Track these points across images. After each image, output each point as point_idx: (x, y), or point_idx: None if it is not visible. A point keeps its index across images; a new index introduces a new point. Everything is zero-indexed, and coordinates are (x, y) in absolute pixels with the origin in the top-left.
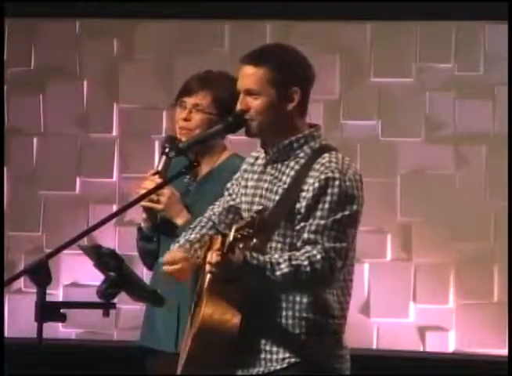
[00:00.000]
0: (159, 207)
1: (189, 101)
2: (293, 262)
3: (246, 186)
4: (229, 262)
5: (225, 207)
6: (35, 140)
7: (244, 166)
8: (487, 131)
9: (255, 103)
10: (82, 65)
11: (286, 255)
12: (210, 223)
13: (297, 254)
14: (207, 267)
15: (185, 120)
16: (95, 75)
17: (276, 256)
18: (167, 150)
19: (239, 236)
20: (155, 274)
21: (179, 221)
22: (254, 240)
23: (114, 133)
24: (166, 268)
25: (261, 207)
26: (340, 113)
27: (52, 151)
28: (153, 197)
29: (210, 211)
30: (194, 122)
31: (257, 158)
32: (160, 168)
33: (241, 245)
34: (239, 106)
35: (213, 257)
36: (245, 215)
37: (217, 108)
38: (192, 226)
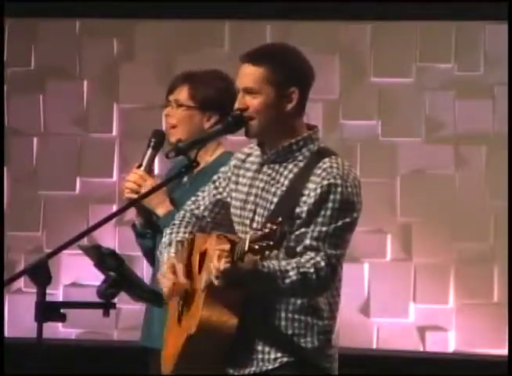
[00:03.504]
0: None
1: (171, 98)
2: (301, 270)
3: (237, 183)
4: (238, 270)
5: (211, 201)
6: (35, 140)
7: (234, 161)
8: (487, 131)
9: (254, 102)
10: (82, 65)
11: (293, 263)
12: (194, 219)
13: (302, 260)
14: (214, 272)
15: (167, 116)
16: (95, 75)
17: (284, 263)
18: (152, 143)
19: (256, 246)
20: (155, 274)
21: (160, 211)
22: (275, 252)
23: (114, 133)
24: (164, 291)
25: (280, 219)
26: (340, 113)
27: (52, 151)
28: (135, 187)
29: (192, 204)
30: (175, 117)
31: (249, 155)
32: (144, 161)
33: (258, 256)
34: (237, 105)
35: (221, 264)
36: (237, 212)
37: (196, 102)
38: (177, 222)
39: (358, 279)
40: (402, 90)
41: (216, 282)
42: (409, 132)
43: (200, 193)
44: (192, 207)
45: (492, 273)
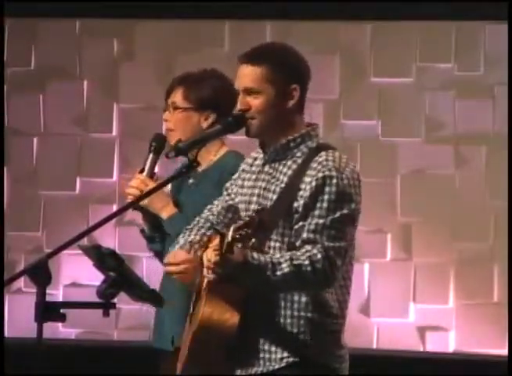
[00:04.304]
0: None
1: (169, 102)
2: (295, 262)
3: (242, 186)
4: (228, 262)
5: (224, 207)
6: (35, 140)
7: (243, 166)
8: (487, 131)
9: (256, 102)
10: (82, 65)
11: (287, 255)
12: (208, 224)
13: (298, 253)
14: (205, 264)
15: (166, 120)
16: (95, 75)
17: (277, 256)
18: (152, 148)
19: (237, 236)
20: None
21: (164, 215)
22: (253, 240)
23: (114, 133)
24: (169, 268)
25: (259, 207)
26: (340, 113)
27: (52, 151)
28: (137, 193)
29: (208, 211)
30: (173, 121)
31: (255, 159)
32: (147, 166)
33: (239, 245)
34: (239, 106)
35: (212, 256)
36: (243, 214)
37: (191, 103)
38: (189, 227)
39: (358, 279)
40: (402, 90)
41: (209, 276)
42: (409, 132)
43: (215, 202)
44: (208, 213)
45: (492, 273)
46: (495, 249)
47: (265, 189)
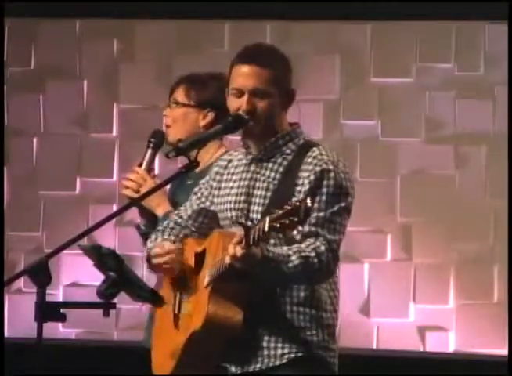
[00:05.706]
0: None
1: (171, 99)
2: (302, 254)
3: (219, 188)
4: (252, 255)
5: (194, 210)
6: (35, 140)
7: (216, 169)
8: (487, 131)
9: (262, 104)
10: (82, 65)
11: (294, 248)
12: (178, 227)
13: (303, 246)
14: (227, 259)
15: (165, 116)
16: (95, 75)
17: (285, 248)
18: (151, 144)
19: (278, 225)
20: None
21: (159, 212)
22: (300, 228)
23: (114, 133)
24: (158, 260)
25: (302, 197)
26: (340, 113)
27: (52, 151)
28: (135, 186)
29: (175, 215)
30: (171, 117)
31: (230, 161)
32: (145, 161)
33: (280, 235)
34: (245, 107)
35: (237, 250)
36: (227, 214)
37: (191, 100)
38: (160, 228)
39: (358, 279)
40: (402, 90)
41: (230, 262)
42: (409, 132)
43: (181, 207)
44: (175, 217)
45: (492, 273)
46: (495, 249)
47: (253, 187)
